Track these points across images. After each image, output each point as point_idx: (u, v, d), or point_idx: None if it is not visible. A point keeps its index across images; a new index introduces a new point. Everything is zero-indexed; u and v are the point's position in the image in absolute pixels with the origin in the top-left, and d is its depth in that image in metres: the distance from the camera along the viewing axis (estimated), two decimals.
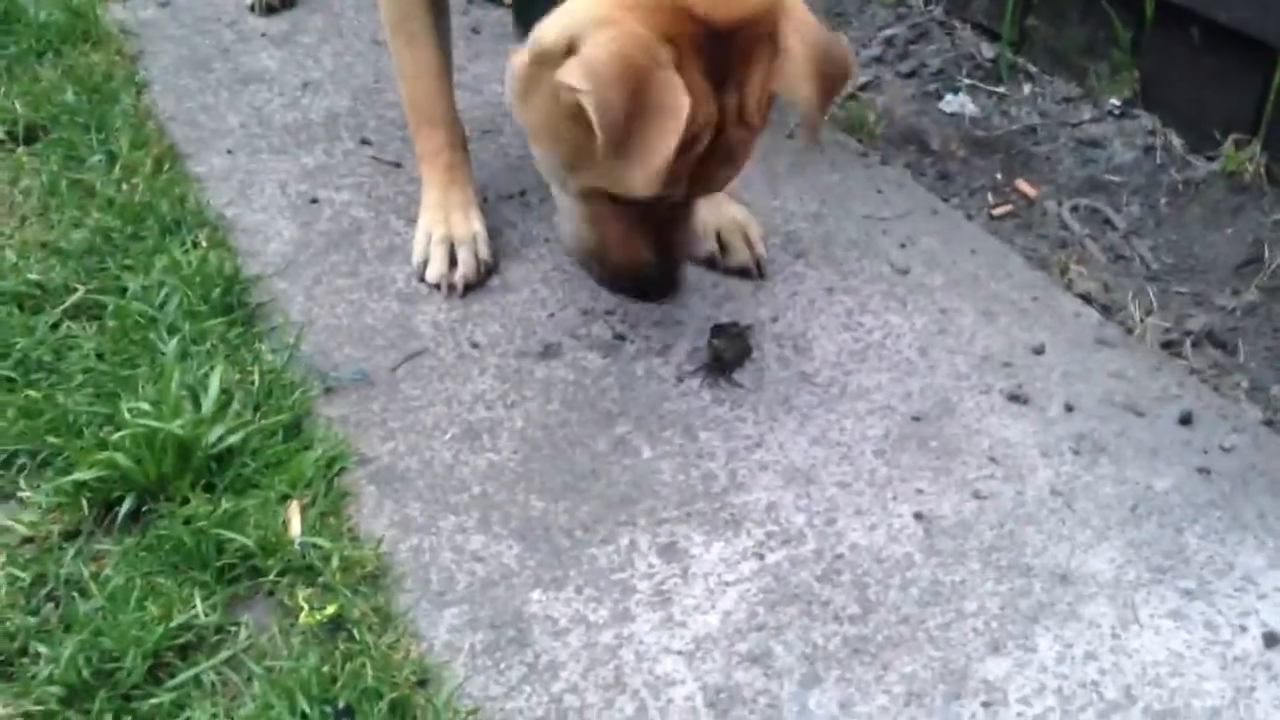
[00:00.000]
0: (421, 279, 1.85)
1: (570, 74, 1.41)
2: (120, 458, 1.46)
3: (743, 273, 1.90)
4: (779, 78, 1.50)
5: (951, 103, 2.41)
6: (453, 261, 1.84)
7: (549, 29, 1.47)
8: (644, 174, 1.41)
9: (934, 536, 1.47)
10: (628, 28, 1.40)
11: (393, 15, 1.85)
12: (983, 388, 1.69)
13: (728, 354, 1.72)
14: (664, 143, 1.39)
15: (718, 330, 1.75)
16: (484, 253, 1.87)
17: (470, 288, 1.84)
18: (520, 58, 1.53)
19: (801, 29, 1.50)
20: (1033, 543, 1.46)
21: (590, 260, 1.68)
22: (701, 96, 1.43)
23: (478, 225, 1.88)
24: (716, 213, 1.90)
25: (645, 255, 1.62)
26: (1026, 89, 2.41)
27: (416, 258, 1.86)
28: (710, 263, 1.90)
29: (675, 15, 1.41)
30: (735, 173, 1.62)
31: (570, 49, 1.43)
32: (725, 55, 1.45)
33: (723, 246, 1.90)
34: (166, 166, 2.03)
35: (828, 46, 1.52)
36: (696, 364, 1.72)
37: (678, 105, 1.39)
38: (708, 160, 1.51)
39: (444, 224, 1.86)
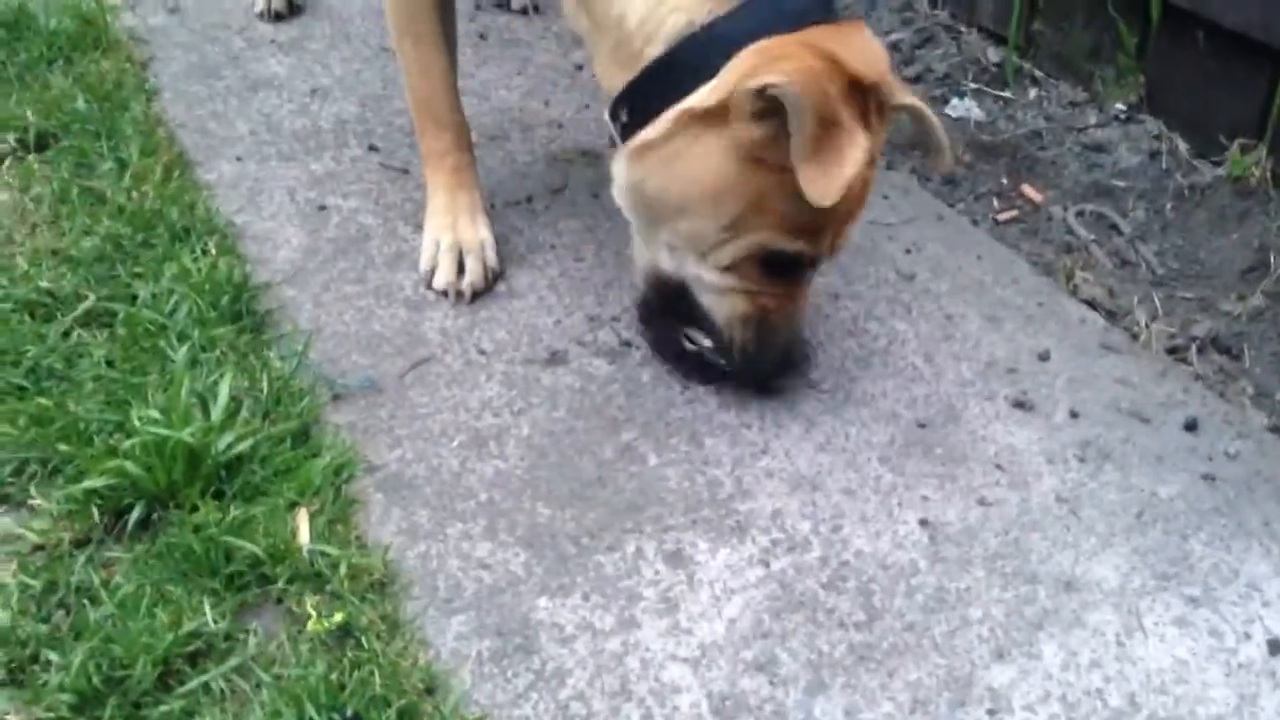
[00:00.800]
0: (429, 286, 1.86)
1: (769, 75, 1.40)
2: (130, 465, 1.47)
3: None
4: (926, 129, 1.59)
5: (957, 107, 2.41)
6: (460, 269, 1.85)
7: (705, 93, 1.47)
8: (834, 182, 1.40)
9: (939, 544, 1.47)
10: (807, 61, 1.42)
11: (399, 18, 1.86)
12: (988, 394, 1.70)
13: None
14: (853, 153, 1.41)
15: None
16: (491, 260, 1.88)
17: (478, 295, 1.84)
18: (650, 133, 1.52)
19: (883, 63, 1.52)
20: (1038, 550, 1.47)
21: (733, 337, 1.63)
22: (866, 132, 1.46)
23: (485, 232, 1.89)
24: None
25: (793, 327, 1.63)
26: (1032, 93, 2.41)
27: (424, 265, 1.87)
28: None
29: (833, 64, 1.44)
30: (855, 225, 1.62)
31: (721, 106, 1.46)
32: (867, 107, 1.48)
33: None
34: (176, 174, 2.05)
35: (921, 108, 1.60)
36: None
37: (860, 132, 1.43)
38: (846, 212, 1.52)
39: (451, 231, 1.87)
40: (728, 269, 1.57)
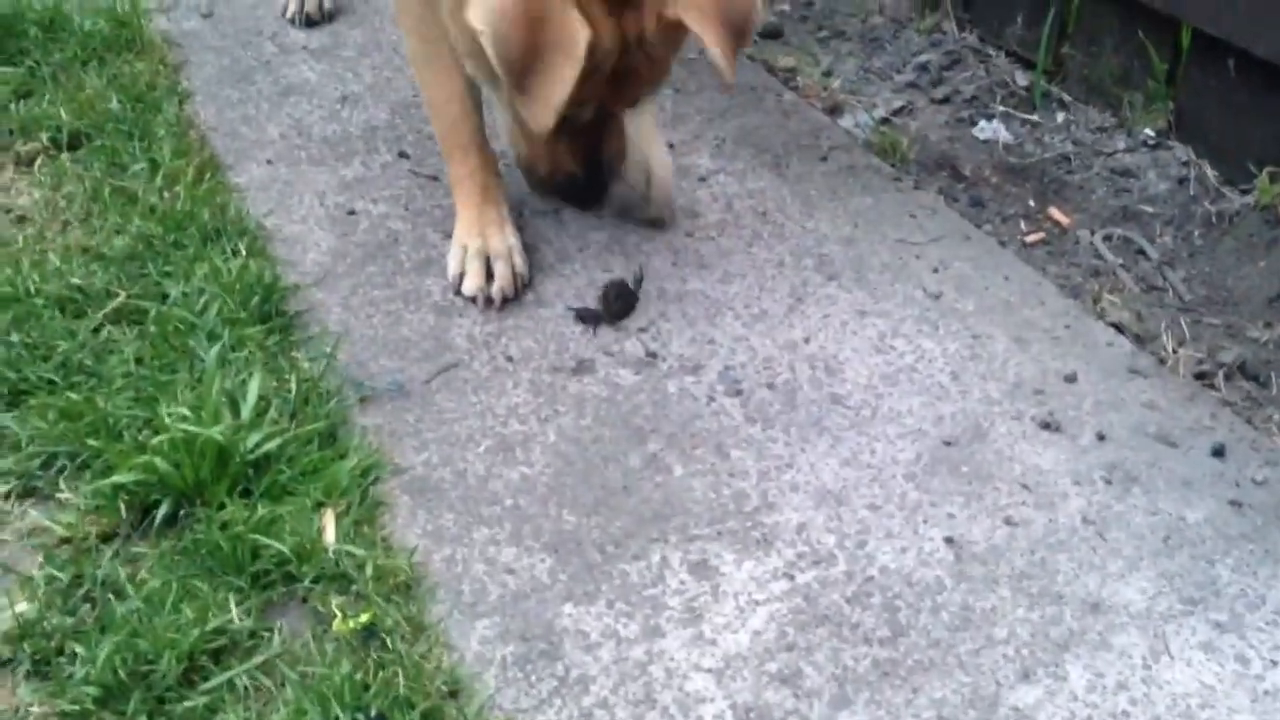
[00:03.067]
0: (458, 292, 1.87)
1: (474, 15, 1.52)
2: (159, 462, 1.48)
3: (653, 224, 2.02)
4: (678, 7, 1.59)
5: (985, 129, 2.41)
6: (489, 275, 1.86)
7: None
8: (543, 110, 1.52)
9: (965, 562, 1.47)
10: None
11: (417, 47, 1.89)
12: (1014, 414, 1.69)
13: (616, 306, 1.84)
14: (561, 80, 1.49)
15: (610, 285, 1.86)
16: (520, 266, 1.89)
17: (507, 301, 1.85)
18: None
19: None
20: (1064, 571, 1.46)
21: (523, 167, 1.80)
22: (601, 23, 1.55)
23: (513, 239, 1.90)
24: (647, 157, 1.99)
25: (571, 166, 1.73)
26: (1060, 117, 2.41)
27: (453, 270, 1.88)
28: (624, 211, 2.03)
29: None
30: (648, 90, 1.74)
31: None
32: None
33: (645, 198, 2.01)
34: (208, 176, 2.06)
35: None
36: (584, 312, 1.84)
37: (575, 41, 1.50)
38: (613, 82, 1.63)
39: (480, 238, 1.89)
40: (510, 111, 1.69)
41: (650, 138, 2.00)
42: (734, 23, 1.63)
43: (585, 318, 1.84)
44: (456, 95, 1.88)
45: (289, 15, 2.60)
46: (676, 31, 1.63)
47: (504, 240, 1.89)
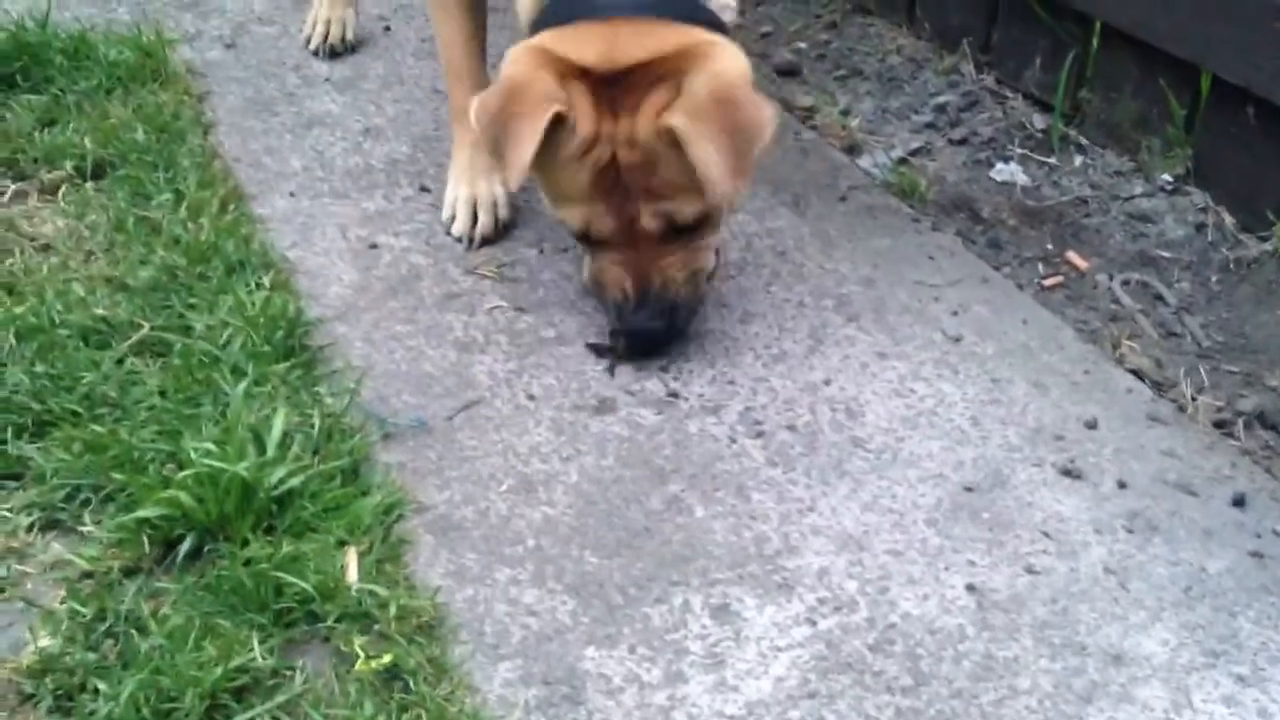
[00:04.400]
0: (448, 233, 2.08)
1: (471, 108, 1.72)
2: (183, 496, 1.48)
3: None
4: (671, 114, 1.65)
5: (1002, 171, 2.43)
6: (475, 220, 2.07)
7: None
8: (510, 170, 1.67)
9: (986, 610, 1.47)
10: (520, 68, 1.70)
11: (437, 12, 2.10)
12: (1035, 460, 1.70)
13: (620, 346, 1.86)
14: (523, 142, 1.64)
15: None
16: (503, 213, 2.09)
17: (488, 241, 2.06)
18: None
19: (713, 81, 1.67)
20: (1086, 621, 1.46)
21: (592, 288, 1.89)
22: (591, 120, 1.68)
23: (499, 188, 2.09)
24: None
25: (625, 285, 1.79)
26: (1078, 160, 2.42)
27: (445, 213, 2.10)
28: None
29: (564, 62, 1.69)
30: (667, 205, 1.73)
31: None
32: (618, 90, 1.68)
33: None
34: (231, 207, 2.07)
35: (734, 94, 1.68)
36: (599, 347, 1.87)
37: (543, 104, 1.65)
38: (625, 189, 1.71)
39: (470, 186, 2.08)
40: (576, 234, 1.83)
41: None
42: (735, 134, 1.65)
43: (600, 352, 1.85)
44: (464, 34, 2.08)
45: (312, 46, 2.63)
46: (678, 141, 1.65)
47: (490, 189, 2.08)
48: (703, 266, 1.83)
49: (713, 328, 1.93)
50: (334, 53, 2.62)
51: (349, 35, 2.65)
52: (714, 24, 1.80)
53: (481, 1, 2.09)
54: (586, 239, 1.80)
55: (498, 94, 1.70)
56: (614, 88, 1.68)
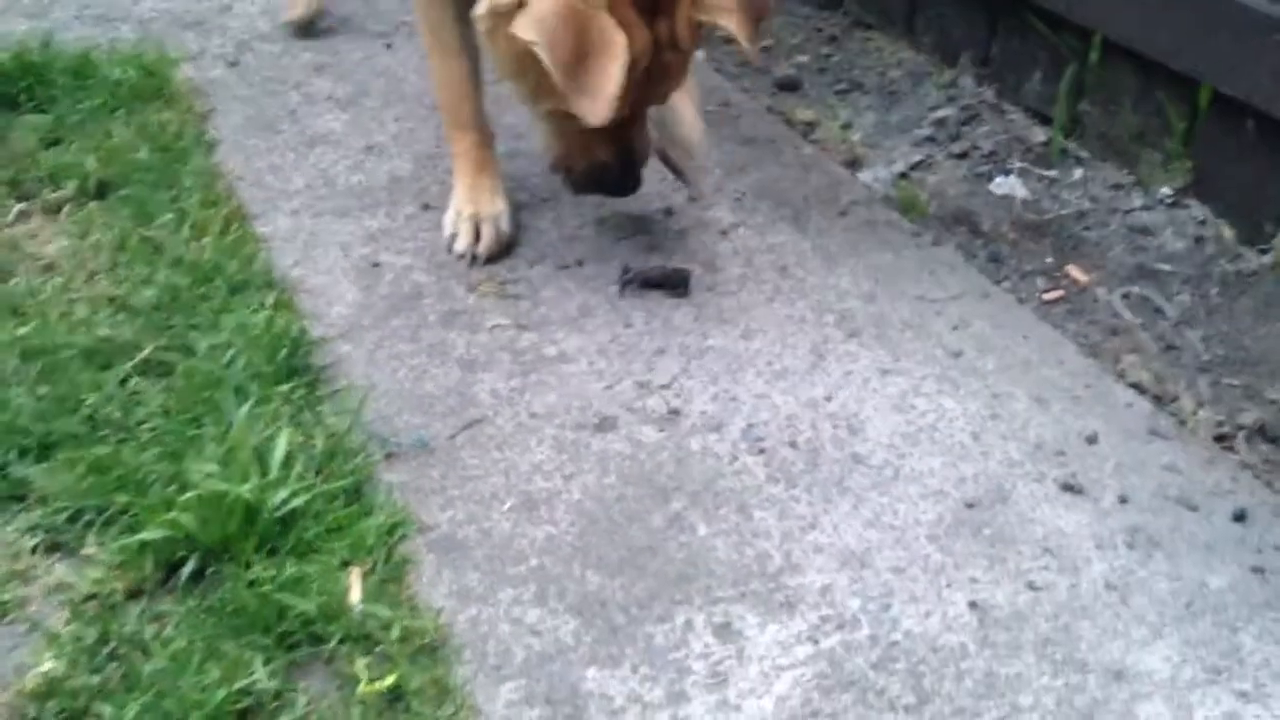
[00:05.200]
0: (449, 251, 2.09)
1: (523, 29, 1.72)
2: (186, 518, 1.49)
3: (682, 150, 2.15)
4: (703, 8, 1.80)
5: (1002, 185, 2.43)
6: (478, 237, 2.08)
7: None
8: (597, 105, 1.71)
9: (988, 627, 1.47)
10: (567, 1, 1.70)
11: (429, 32, 2.11)
12: (1036, 476, 1.70)
13: (654, 276, 2.03)
14: (609, 77, 1.69)
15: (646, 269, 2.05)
16: (505, 226, 2.11)
17: (492, 258, 2.08)
18: (480, 8, 1.82)
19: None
20: (1088, 637, 1.46)
21: (560, 168, 1.99)
22: (635, 29, 1.75)
23: (502, 205, 2.12)
24: (692, 112, 2.14)
25: (605, 159, 1.92)
26: (1077, 173, 2.43)
27: (447, 231, 2.11)
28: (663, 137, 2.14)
29: None
30: (675, 86, 1.93)
31: (521, 4, 1.74)
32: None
33: (678, 125, 2.14)
34: (234, 226, 2.08)
35: None
36: (623, 281, 2.02)
37: (615, 42, 1.70)
38: (647, 80, 1.82)
39: (473, 204, 2.11)
40: (547, 118, 1.91)
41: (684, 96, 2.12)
42: (753, 10, 1.84)
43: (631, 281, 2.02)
44: (460, 78, 2.10)
45: (284, 19, 2.77)
46: (702, 28, 1.85)
47: (494, 206, 2.11)
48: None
49: (714, 344, 1.93)
50: (304, 30, 2.74)
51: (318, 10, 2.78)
52: None
53: (474, 39, 2.06)
54: (572, 118, 1.85)
55: (566, 32, 1.70)
56: None
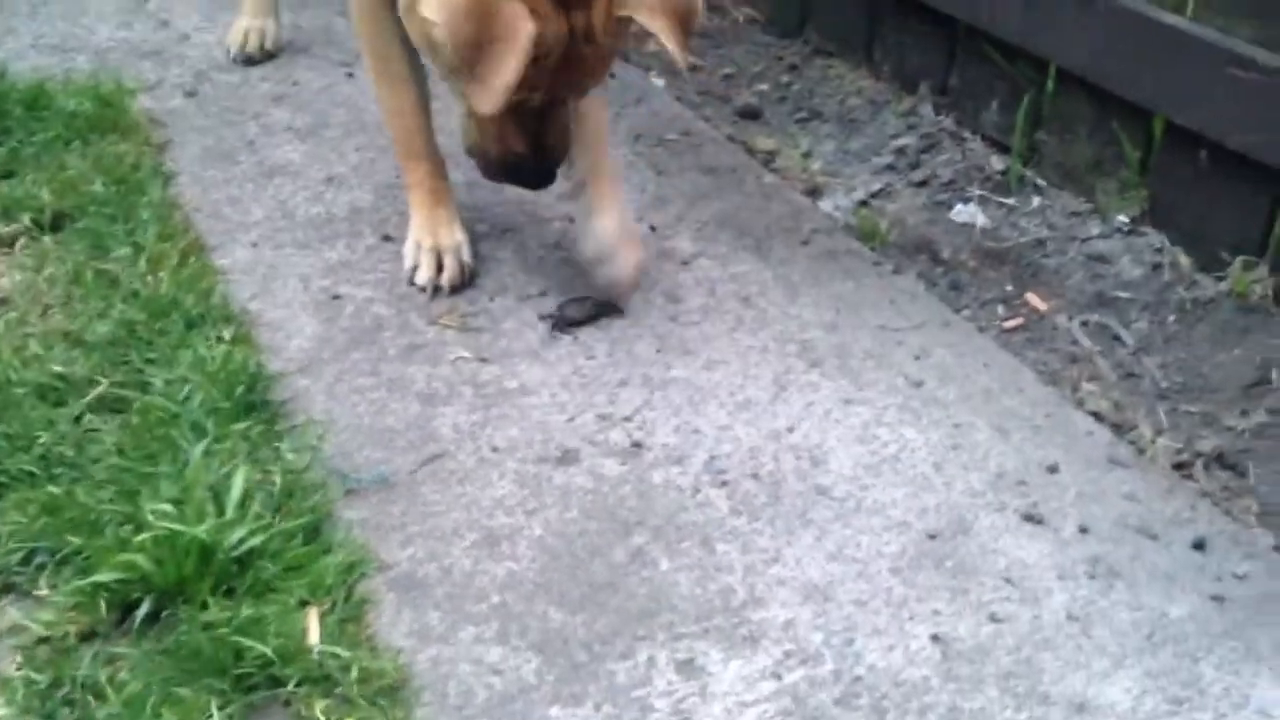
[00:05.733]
0: (411, 283, 2.07)
1: (428, 8, 1.74)
2: (141, 559, 1.46)
3: (609, 288, 2.07)
4: (625, 4, 1.77)
5: (962, 213, 2.45)
6: (439, 268, 2.06)
7: None
8: (489, 93, 1.70)
9: (951, 660, 1.47)
10: None
11: (375, 61, 2.10)
12: (998, 506, 1.70)
13: (573, 313, 2.01)
14: (506, 67, 1.68)
15: (570, 300, 2.05)
16: (466, 257, 2.09)
17: (455, 290, 2.06)
18: None
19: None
20: (1050, 669, 1.46)
21: (475, 153, 1.95)
22: (549, 19, 1.72)
23: (461, 236, 2.10)
24: (617, 228, 2.06)
25: (519, 148, 1.88)
26: (1035, 201, 2.45)
27: (408, 264, 2.09)
28: (589, 263, 2.08)
29: None
30: (593, 82, 1.90)
31: None
32: None
33: (606, 259, 2.05)
34: (192, 259, 2.06)
35: None
36: (550, 321, 2.01)
37: (519, 31, 1.67)
38: (561, 72, 1.79)
39: (431, 236, 2.09)
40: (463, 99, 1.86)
41: (611, 200, 2.08)
42: (680, 14, 1.81)
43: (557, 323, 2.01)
44: (410, 108, 2.09)
45: (232, 54, 2.75)
46: (624, 25, 1.83)
47: (453, 237, 2.09)
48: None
49: (676, 375, 1.93)
50: (250, 60, 2.74)
51: (268, 44, 2.77)
52: None
53: (423, 70, 2.08)
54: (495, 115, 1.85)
55: (468, 17, 1.69)
56: None
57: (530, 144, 1.89)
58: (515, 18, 1.68)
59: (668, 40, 1.79)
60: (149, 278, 1.99)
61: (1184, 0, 2.17)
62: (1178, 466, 1.83)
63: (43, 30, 2.87)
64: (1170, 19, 2.17)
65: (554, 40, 1.75)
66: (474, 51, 1.69)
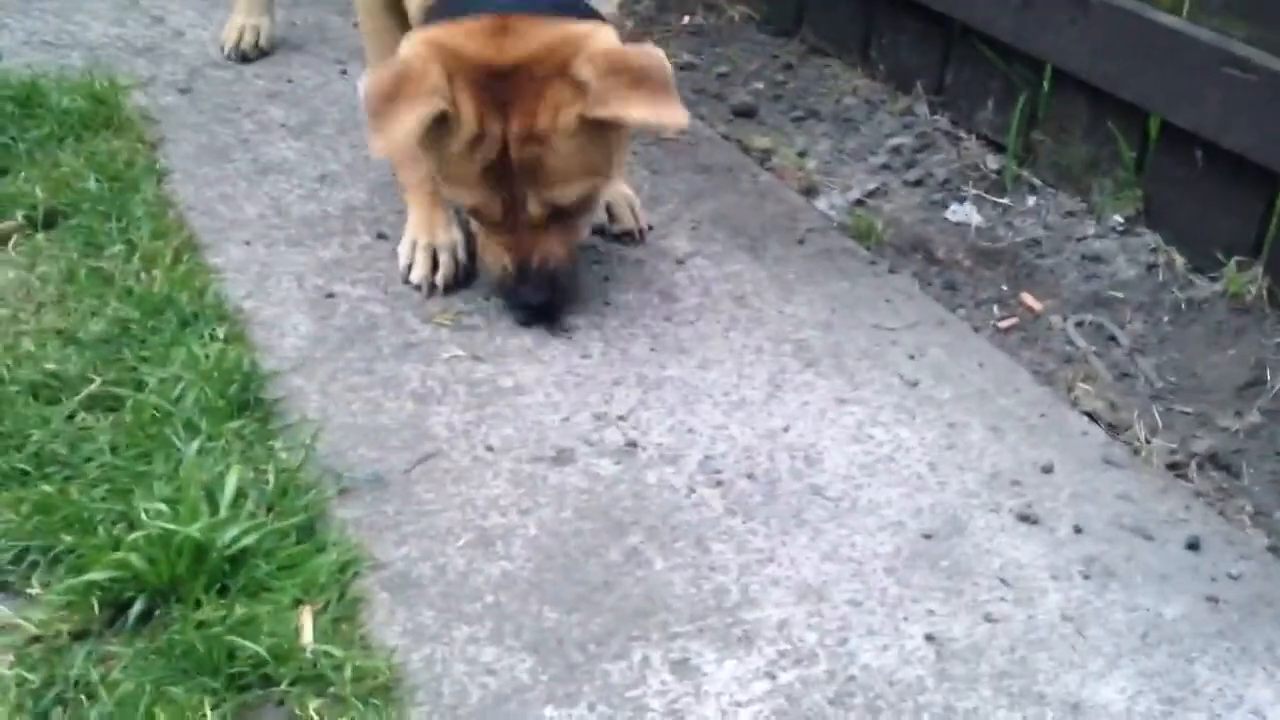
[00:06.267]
0: (405, 281, 2.07)
1: (361, 83, 1.85)
2: (134, 558, 1.46)
3: (626, 237, 2.22)
4: (593, 107, 1.80)
5: (957, 212, 2.45)
6: (434, 266, 2.06)
7: None
8: (385, 140, 1.79)
9: (946, 660, 1.47)
10: (415, 55, 1.82)
11: (375, 62, 2.10)
12: (992, 506, 1.70)
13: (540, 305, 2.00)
14: (409, 116, 1.77)
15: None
16: (462, 256, 2.09)
17: (450, 288, 2.06)
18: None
19: (596, 59, 1.80)
20: (1044, 669, 1.46)
21: (482, 267, 2.04)
22: (481, 118, 1.81)
23: (457, 235, 2.10)
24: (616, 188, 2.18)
25: (504, 261, 1.95)
26: (1031, 201, 2.45)
27: (403, 262, 2.09)
28: (600, 230, 2.20)
29: (456, 57, 1.81)
30: (555, 191, 1.89)
31: None
32: (506, 88, 1.81)
33: (611, 215, 2.21)
34: (185, 257, 2.05)
35: (634, 63, 1.82)
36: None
37: (429, 98, 1.77)
38: (512, 178, 1.86)
39: (428, 234, 2.09)
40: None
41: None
42: (653, 83, 1.81)
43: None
44: None
45: (225, 51, 2.75)
46: (602, 128, 1.84)
47: (449, 235, 2.09)
48: (579, 238, 2.03)
49: (671, 374, 1.93)
50: (245, 58, 2.74)
51: (262, 41, 2.77)
52: (595, 19, 1.92)
53: None
54: (475, 217, 1.97)
55: (390, 74, 1.81)
56: (504, 82, 1.81)
57: (515, 260, 1.94)
58: (431, 89, 1.78)
59: (655, 121, 1.83)
60: (142, 275, 1.99)
61: (1180, 0, 2.17)
62: (1172, 467, 1.83)
63: (36, 26, 2.86)
64: (1166, 19, 2.17)
65: (490, 139, 1.82)
66: (383, 106, 1.78)
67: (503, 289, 1.99)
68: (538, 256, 1.93)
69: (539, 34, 1.82)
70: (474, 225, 2.01)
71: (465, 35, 1.82)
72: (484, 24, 1.83)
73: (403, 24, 2.06)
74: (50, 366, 1.79)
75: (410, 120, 1.77)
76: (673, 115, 1.81)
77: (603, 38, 1.84)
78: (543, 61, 1.81)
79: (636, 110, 1.79)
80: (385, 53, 2.04)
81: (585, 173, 1.89)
